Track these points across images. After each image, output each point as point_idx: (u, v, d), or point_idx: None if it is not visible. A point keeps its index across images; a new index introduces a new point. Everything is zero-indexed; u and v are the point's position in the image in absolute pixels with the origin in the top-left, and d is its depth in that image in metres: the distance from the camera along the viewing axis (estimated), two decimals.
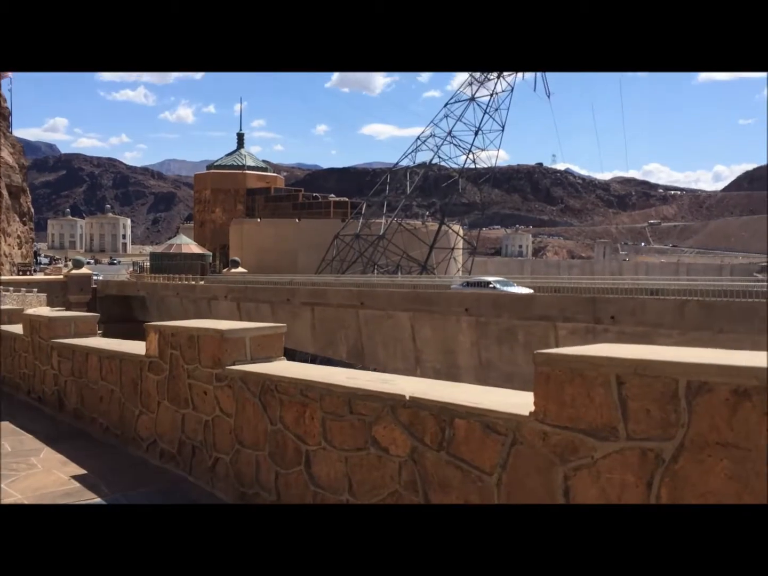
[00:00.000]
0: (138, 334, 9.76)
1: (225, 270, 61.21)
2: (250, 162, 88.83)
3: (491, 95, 63.09)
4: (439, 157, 62.02)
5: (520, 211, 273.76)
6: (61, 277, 54.19)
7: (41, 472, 5.40)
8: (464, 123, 62.61)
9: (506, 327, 27.61)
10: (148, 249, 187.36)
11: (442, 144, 61.05)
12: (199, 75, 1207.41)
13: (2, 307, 16.41)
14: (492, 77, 61.23)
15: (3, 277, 49.13)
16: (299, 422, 4.08)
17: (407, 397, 3.39)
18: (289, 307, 37.03)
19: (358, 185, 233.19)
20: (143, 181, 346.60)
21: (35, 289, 38.20)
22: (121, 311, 47.76)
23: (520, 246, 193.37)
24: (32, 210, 79.12)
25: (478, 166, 62.76)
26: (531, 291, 31.26)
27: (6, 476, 5.26)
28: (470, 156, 61.94)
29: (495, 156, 62.87)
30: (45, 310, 20.40)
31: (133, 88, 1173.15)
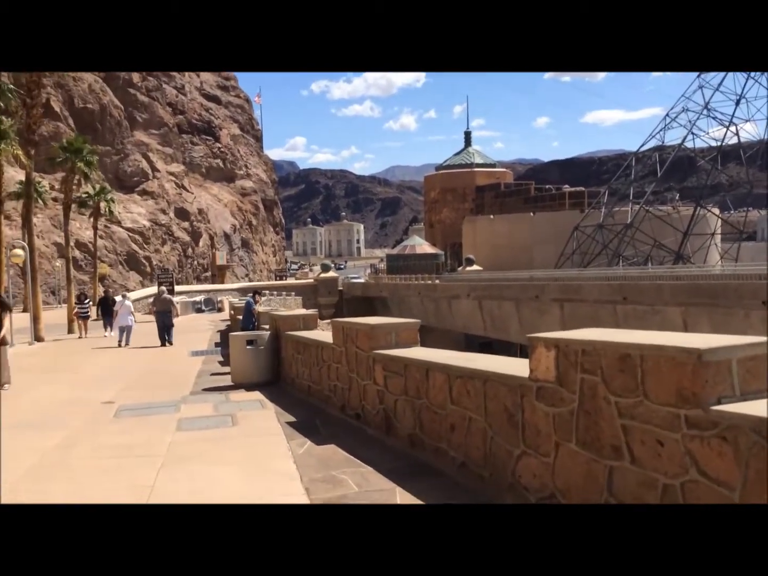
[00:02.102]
0: None
1: (460, 268, 60.81)
2: (478, 159, 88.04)
3: None
4: (693, 134, 54.76)
5: None
6: (311, 280, 58.11)
7: None
8: (722, 93, 54.60)
9: None
10: (378, 252, 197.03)
11: (697, 118, 53.75)
12: (420, 82, 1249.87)
13: (276, 312, 16.73)
14: None
15: (264, 282, 54.01)
16: None
17: None
18: (536, 304, 34.87)
19: (584, 175, 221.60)
20: (371, 188, 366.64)
21: (293, 293, 40.89)
22: (365, 311, 49.48)
23: None
24: (283, 221, 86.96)
25: (741, 139, 54.37)
26: None
27: None
28: (731, 129, 53.85)
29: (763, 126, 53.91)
30: (301, 311, 20.92)
31: (360, 102, 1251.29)
